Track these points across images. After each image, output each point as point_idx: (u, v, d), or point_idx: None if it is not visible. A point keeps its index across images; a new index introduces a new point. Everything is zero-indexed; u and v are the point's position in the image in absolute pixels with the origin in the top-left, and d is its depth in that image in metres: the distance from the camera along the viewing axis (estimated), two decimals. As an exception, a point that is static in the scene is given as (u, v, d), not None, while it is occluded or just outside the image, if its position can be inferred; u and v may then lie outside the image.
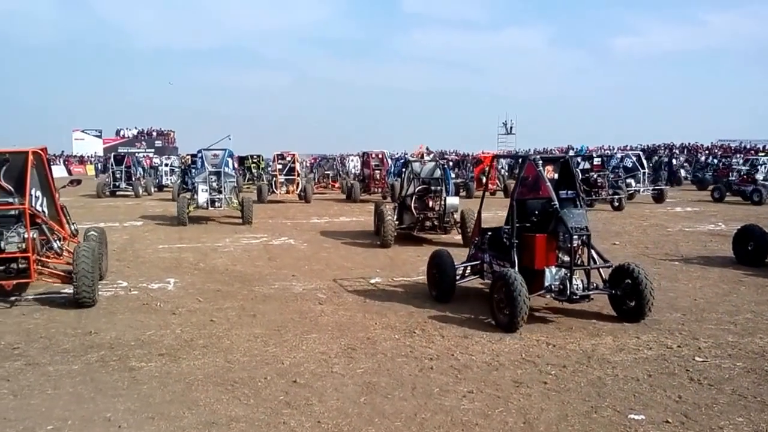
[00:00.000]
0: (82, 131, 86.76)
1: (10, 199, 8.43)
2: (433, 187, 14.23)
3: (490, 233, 8.80)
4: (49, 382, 5.55)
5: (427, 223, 14.01)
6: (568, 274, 7.49)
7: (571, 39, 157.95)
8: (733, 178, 26.09)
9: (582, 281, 7.70)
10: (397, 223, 13.88)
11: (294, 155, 25.97)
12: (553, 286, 7.51)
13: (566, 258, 7.62)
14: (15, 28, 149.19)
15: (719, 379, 5.58)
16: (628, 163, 22.95)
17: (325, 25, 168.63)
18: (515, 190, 8.31)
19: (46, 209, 9.33)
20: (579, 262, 7.60)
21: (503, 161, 28.15)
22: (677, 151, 49.79)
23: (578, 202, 8.14)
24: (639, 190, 21.83)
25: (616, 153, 25.66)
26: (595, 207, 21.47)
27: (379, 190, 26.53)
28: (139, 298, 8.73)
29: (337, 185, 31.91)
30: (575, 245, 7.49)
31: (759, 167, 24.80)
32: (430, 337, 6.82)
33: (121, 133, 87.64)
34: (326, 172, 34.38)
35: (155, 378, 5.63)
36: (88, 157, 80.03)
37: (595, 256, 7.89)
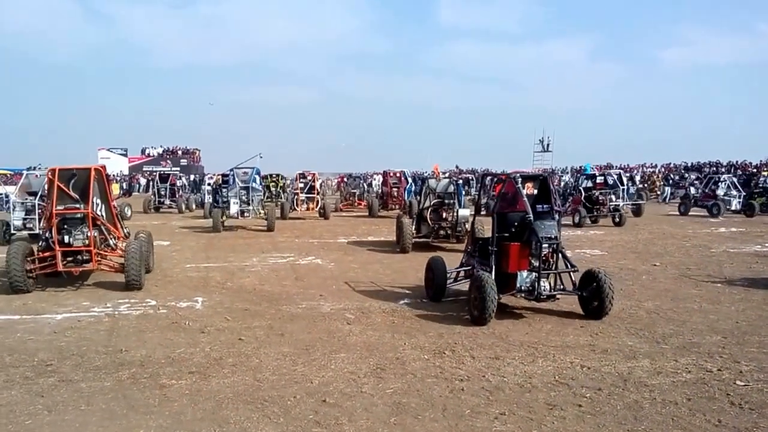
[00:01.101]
0: (108, 150, 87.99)
1: (77, 205, 11.11)
2: (446, 201, 16.54)
3: (480, 242, 10.19)
4: (82, 399, 5.76)
5: (441, 232, 16.47)
6: (536, 278, 8.83)
7: (612, 51, 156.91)
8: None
9: (549, 284, 9.07)
10: (415, 232, 16.50)
11: (314, 175, 28.49)
12: (523, 287, 8.93)
13: (537, 263, 8.89)
14: (42, 47, 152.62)
15: (761, 403, 5.59)
16: (610, 180, 24.69)
17: (352, 38, 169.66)
18: (496, 204, 9.74)
19: (104, 214, 11.98)
20: (552, 267, 9.03)
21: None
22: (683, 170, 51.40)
23: (553, 215, 9.43)
24: (619, 205, 23.77)
25: (611, 172, 27.91)
26: (600, 223, 23.73)
27: (397, 206, 28.40)
28: (168, 317, 8.96)
29: (363, 203, 32.75)
30: (545, 252, 8.91)
31: (719, 183, 28.44)
32: (460, 358, 6.92)
33: (147, 151, 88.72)
34: (353, 191, 36.11)
35: (186, 396, 5.81)
36: (113, 175, 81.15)
37: (562, 262, 9.12)
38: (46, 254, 11.18)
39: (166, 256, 15.32)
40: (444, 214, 16.34)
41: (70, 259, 11.24)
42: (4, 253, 11.44)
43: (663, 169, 58.08)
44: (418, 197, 19.63)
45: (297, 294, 10.58)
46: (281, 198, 29.23)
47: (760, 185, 30.30)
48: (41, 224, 14.41)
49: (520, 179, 9.48)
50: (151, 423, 5.20)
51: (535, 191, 9.69)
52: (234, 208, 22.33)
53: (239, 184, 22.75)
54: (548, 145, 79.72)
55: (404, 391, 5.91)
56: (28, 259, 10.97)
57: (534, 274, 8.88)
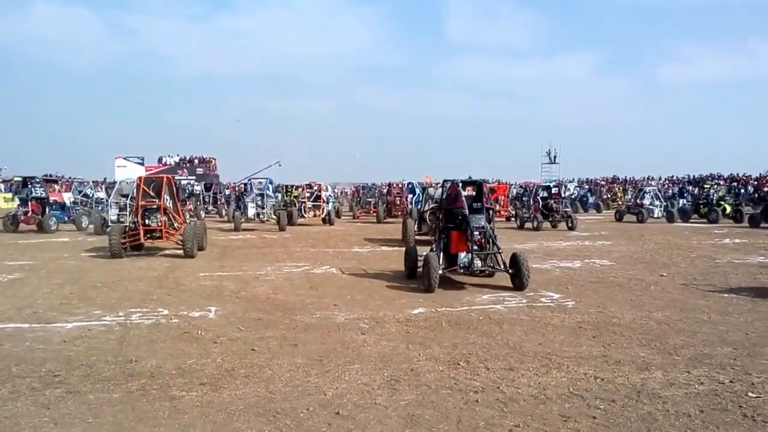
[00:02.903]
0: (125, 158, 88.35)
1: (155, 200, 17.16)
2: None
3: (439, 232, 13.05)
4: (90, 411, 5.57)
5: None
6: (472, 257, 11.82)
7: (617, 67, 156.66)
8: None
9: (481, 261, 12.06)
10: (417, 230, 20.49)
11: (320, 185, 32.10)
12: (461, 264, 11.89)
13: (475, 247, 11.88)
14: (63, 57, 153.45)
15: (774, 416, 5.40)
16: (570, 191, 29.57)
17: (367, 52, 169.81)
18: (443, 202, 13.33)
19: (171, 206, 17.76)
20: (485, 250, 12.06)
21: (514, 190, 35.58)
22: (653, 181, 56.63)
23: (482, 211, 12.56)
24: (569, 212, 28.38)
25: (568, 184, 34.27)
26: (558, 227, 27.33)
27: (400, 213, 31.53)
28: (179, 327, 8.78)
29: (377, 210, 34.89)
30: (477, 238, 11.96)
31: (645, 194, 33.88)
32: (474, 369, 6.74)
33: (163, 160, 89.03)
34: (368, 200, 40.39)
35: (196, 407, 5.62)
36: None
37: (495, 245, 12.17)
38: (134, 232, 16.91)
39: (179, 264, 15.20)
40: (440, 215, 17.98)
41: (148, 235, 17.11)
42: (105, 238, 17.75)
43: (666, 182, 58.09)
44: (419, 205, 24.09)
45: (311, 303, 10.41)
46: (295, 205, 31.41)
47: (703, 197, 33.27)
48: (129, 214, 19.82)
49: (461, 183, 12.87)
50: (161, 436, 5.02)
51: (474, 193, 12.94)
52: (251, 212, 26.81)
53: (255, 191, 27.51)
54: (555, 157, 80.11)
55: (418, 403, 5.72)
56: (123, 235, 16.52)
57: (470, 254, 11.85)
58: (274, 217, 26.58)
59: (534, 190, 30.62)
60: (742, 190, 42.60)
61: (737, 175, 54.29)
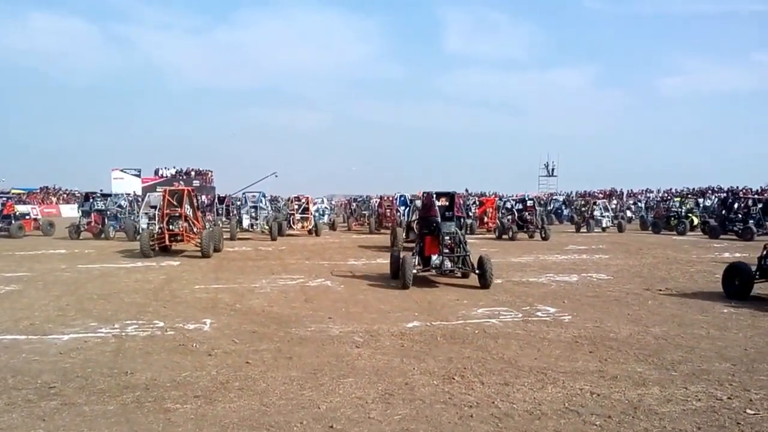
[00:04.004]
0: (121, 170, 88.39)
1: (177, 209, 20.23)
2: None
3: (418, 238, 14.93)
4: (85, 423, 5.55)
5: None
6: (443, 259, 13.68)
7: (615, 78, 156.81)
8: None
9: (451, 262, 13.79)
10: (405, 237, 22.81)
11: (308, 198, 33.55)
12: (434, 265, 13.73)
13: (446, 250, 13.74)
14: (60, 69, 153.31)
15: (771, 433, 5.37)
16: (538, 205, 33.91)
17: (365, 65, 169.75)
18: (420, 211, 15.93)
19: (191, 214, 20.96)
20: (455, 253, 13.81)
21: (498, 202, 37.38)
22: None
23: (454, 219, 14.58)
24: (544, 223, 31.46)
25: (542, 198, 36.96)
26: (534, 238, 29.58)
27: (390, 224, 32.77)
28: (175, 339, 8.76)
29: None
30: (447, 242, 13.78)
31: (596, 207, 38.35)
32: (469, 384, 6.72)
33: (160, 172, 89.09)
34: (363, 212, 42.51)
35: (191, 420, 5.61)
36: (126, 195, 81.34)
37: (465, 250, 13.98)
38: (160, 236, 20.32)
39: (176, 276, 15.19)
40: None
41: (172, 238, 20.33)
42: (137, 242, 21.55)
43: (665, 194, 58.20)
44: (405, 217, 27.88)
45: (306, 316, 10.39)
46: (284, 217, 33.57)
47: (674, 210, 35.73)
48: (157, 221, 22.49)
49: (435, 195, 14.74)
50: (155, 449, 5.01)
51: (447, 203, 14.85)
52: (246, 222, 29.84)
53: (249, 203, 30.70)
54: (553, 169, 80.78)
55: (412, 418, 5.70)
56: (151, 238, 20.02)
57: (441, 256, 13.70)
58: (267, 227, 29.15)
59: (512, 203, 33.39)
60: (707, 203, 45.10)
61: (737, 188, 54.33)
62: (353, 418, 5.70)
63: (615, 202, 53.05)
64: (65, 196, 71.85)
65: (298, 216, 32.20)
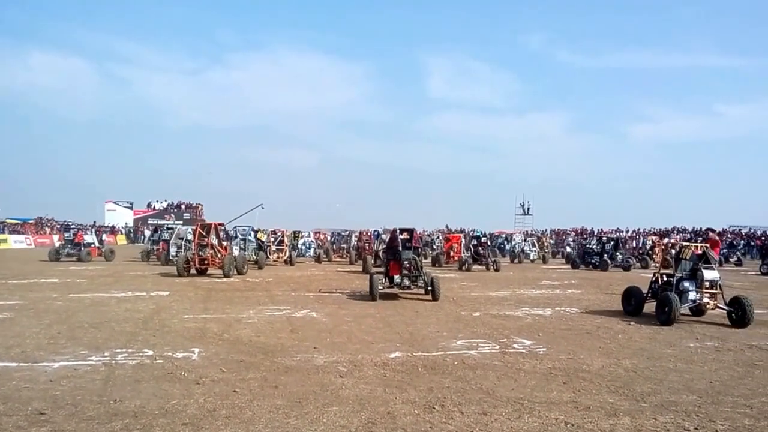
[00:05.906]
0: (114, 203, 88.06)
1: (205, 239, 24.56)
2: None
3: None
4: (75, 450, 5.46)
5: None
6: (402, 278, 17.28)
7: (588, 125, 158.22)
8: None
9: (409, 281, 17.34)
10: (374, 263, 27.84)
11: (283, 231, 37.25)
12: (396, 283, 17.25)
13: (405, 271, 17.37)
14: (58, 105, 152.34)
15: (738, 463, 5.40)
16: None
17: (352, 107, 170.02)
18: (388, 242, 19.99)
19: (216, 243, 24.96)
20: (413, 274, 17.51)
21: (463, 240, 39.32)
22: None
23: (412, 249, 18.06)
24: (496, 258, 34.21)
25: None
26: (489, 270, 31.21)
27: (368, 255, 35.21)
28: (164, 367, 8.65)
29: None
30: (406, 266, 17.42)
31: (526, 242, 44.58)
32: (449, 413, 6.68)
33: (152, 205, 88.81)
34: (342, 245, 47.02)
35: (178, 448, 5.53)
36: (119, 227, 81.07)
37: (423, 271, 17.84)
38: (191, 260, 24.27)
39: (165, 306, 15.05)
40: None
41: (201, 262, 24.36)
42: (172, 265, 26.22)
43: (634, 233, 58.68)
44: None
45: (292, 346, 10.31)
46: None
47: (590, 246, 37.53)
48: (185, 250, 28.56)
49: (398, 230, 18.55)
50: (144, 475, 4.92)
51: (408, 236, 18.32)
52: (236, 253, 30.19)
53: (239, 235, 32.35)
54: (528, 209, 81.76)
55: (394, 446, 5.66)
56: (184, 262, 24.02)
57: (401, 277, 17.31)
58: (254, 258, 30.82)
59: (469, 239, 36.51)
60: (626, 243, 47.87)
61: (700, 229, 54.87)
62: (337, 446, 5.64)
63: (553, 238, 59.58)
64: (58, 227, 71.20)
65: (274, 247, 35.00)
